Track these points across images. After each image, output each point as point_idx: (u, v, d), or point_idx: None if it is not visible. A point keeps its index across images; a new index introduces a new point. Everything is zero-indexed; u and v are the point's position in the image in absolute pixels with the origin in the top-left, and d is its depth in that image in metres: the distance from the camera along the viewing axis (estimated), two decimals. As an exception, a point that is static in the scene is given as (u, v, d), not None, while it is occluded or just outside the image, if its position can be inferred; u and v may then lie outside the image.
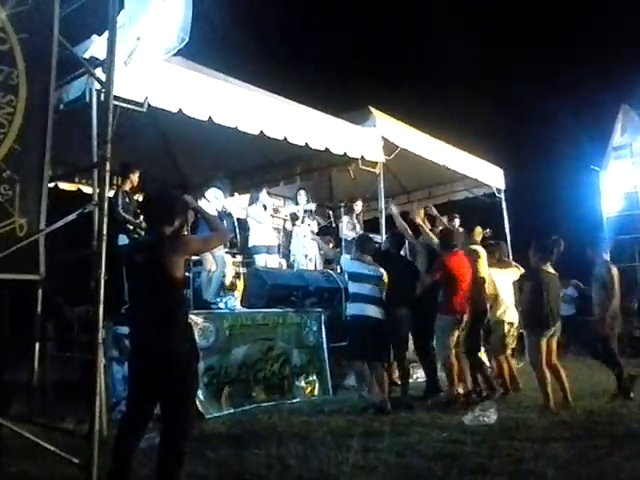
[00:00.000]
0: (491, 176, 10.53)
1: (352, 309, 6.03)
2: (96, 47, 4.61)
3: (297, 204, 9.07)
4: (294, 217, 8.95)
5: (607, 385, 6.90)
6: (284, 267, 8.68)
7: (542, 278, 5.85)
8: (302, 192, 9.02)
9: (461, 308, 6.18)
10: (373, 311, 5.88)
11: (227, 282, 7.60)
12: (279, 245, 8.90)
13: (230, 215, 7.82)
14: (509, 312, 6.73)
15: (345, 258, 6.60)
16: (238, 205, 10.23)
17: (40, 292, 3.37)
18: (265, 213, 8.49)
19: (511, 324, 6.73)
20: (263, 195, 8.52)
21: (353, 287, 6.05)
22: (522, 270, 7.14)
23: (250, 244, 8.33)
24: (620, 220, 12.74)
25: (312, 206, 9.01)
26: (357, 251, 6.32)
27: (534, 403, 5.92)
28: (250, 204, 8.55)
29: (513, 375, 6.78)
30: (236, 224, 8.07)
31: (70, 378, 6.15)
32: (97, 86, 4.60)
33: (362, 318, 5.88)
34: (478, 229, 7.13)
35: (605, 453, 4.09)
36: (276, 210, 9.11)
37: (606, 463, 3.85)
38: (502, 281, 6.84)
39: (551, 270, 5.95)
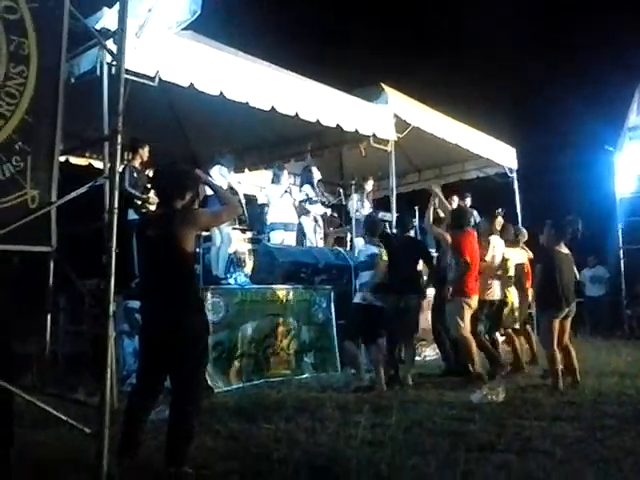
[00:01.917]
0: (503, 155, 10.43)
1: (358, 297, 6.02)
2: (107, 19, 4.58)
3: (308, 182, 9.00)
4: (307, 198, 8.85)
5: (615, 366, 6.91)
6: (294, 244, 8.68)
7: (554, 259, 5.77)
8: (315, 168, 8.96)
9: (472, 289, 6.11)
10: (369, 298, 5.90)
11: (236, 258, 7.62)
12: (299, 223, 8.84)
13: (236, 193, 7.79)
14: (510, 294, 6.71)
15: (365, 247, 6.38)
16: (250, 182, 10.23)
17: (52, 264, 3.39)
18: (282, 192, 8.42)
19: (507, 304, 6.71)
20: (284, 177, 8.45)
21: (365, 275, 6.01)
22: (530, 254, 7.11)
23: (268, 221, 8.32)
24: (633, 202, 12.63)
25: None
26: (366, 234, 6.27)
27: (542, 382, 5.94)
28: (272, 182, 8.50)
29: (516, 354, 6.78)
30: (243, 201, 8.06)
31: (81, 350, 6.22)
32: (108, 59, 4.58)
33: (362, 306, 5.92)
34: (499, 219, 7.05)
35: (612, 433, 4.09)
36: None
37: (613, 443, 3.86)
38: (510, 265, 6.80)
39: (564, 250, 5.86)
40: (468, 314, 6.09)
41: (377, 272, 5.90)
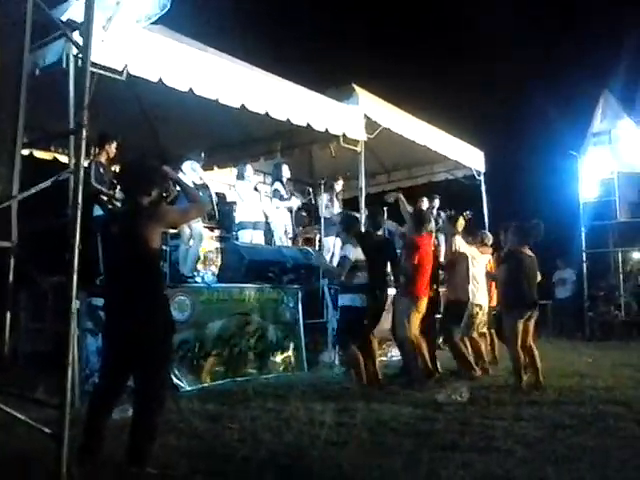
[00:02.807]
0: (472, 158, 10.57)
1: (350, 300, 5.91)
2: (74, 10, 4.48)
3: (277, 179, 8.96)
4: (276, 195, 8.79)
5: (577, 366, 7.05)
6: (262, 243, 8.64)
7: (520, 260, 5.88)
8: (285, 166, 8.93)
9: (422, 292, 6.13)
10: (362, 299, 5.88)
11: (205, 256, 7.55)
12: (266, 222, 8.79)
13: (207, 187, 7.72)
14: (478, 295, 6.80)
15: (349, 248, 6.05)
16: (219, 180, 10.15)
17: (12, 260, 3.31)
18: (251, 189, 8.39)
19: (479, 306, 6.81)
20: (248, 171, 8.41)
21: (353, 277, 5.90)
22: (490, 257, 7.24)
23: (237, 220, 8.25)
24: (596, 206, 12.91)
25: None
26: (344, 232, 6.16)
27: (506, 383, 6.03)
28: (238, 178, 8.45)
29: (481, 356, 6.86)
30: (213, 196, 7.99)
31: (43, 349, 6.09)
32: (74, 51, 4.49)
33: (358, 309, 5.87)
34: (461, 220, 7.14)
35: (573, 433, 4.17)
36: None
37: (573, 442, 3.93)
38: (476, 264, 6.89)
39: (529, 253, 5.98)
40: (415, 316, 6.10)
41: (346, 274, 5.87)
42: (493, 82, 17.49)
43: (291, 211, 8.95)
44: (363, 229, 7.01)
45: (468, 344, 6.73)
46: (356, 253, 5.94)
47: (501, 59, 17.69)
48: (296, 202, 9.00)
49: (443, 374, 6.50)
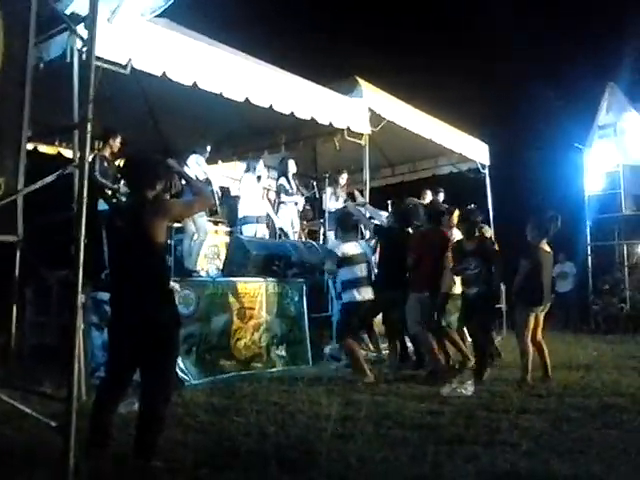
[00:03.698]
0: (476, 151, 10.53)
1: (349, 296, 5.94)
2: (78, 3, 4.45)
3: (283, 174, 8.97)
4: (282, 189, 8.82)
5: (582, 359, 7.04)
6: (267, 237, 8.65)
7: (539, 256, 5.90)
8: (291, 161, 8.93)
9: (426, 285, 6.16)
10: (367, 293, 5.91)
11: (209, 250, 7.55)
12: (267, 215, 8.82)
13: (210, 182, 7.72)
14: None
15: (335, 244, 6.22)
16: (223, 174, 10.15)
17: (18, 254, 3.32)
18: (258, 184, 8.39)
19: None
20: (260, 165, 8.41)
21: (346, 272, 5.96)
22: None
23: (240, 214, 8.24)
24: (601, 199, 12.88)
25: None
26: (339, 229, 6.19)
27: (511, 376, 6.02)
28: (246, 171, 8.45)
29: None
30: (216, 191, 7.98)
31: (48, 342, 6.11)
32: (79, 45, 4.47)
33: (357, 303, 5.90)
34: (457, 213, 7.14)
35: (577, 425, 4.17)
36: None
37: (578, 435, 3.93)
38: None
39: (547, 248, 6.00)
40: (424, 308, 6.15)
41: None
42: (498, 75, 17.41)
43: (296, 204, 8.96)
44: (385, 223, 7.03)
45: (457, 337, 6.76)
46: (347, 248, 5.97)
47: (506, 52, 17.59)
48: (301, 200, 9.01)
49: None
